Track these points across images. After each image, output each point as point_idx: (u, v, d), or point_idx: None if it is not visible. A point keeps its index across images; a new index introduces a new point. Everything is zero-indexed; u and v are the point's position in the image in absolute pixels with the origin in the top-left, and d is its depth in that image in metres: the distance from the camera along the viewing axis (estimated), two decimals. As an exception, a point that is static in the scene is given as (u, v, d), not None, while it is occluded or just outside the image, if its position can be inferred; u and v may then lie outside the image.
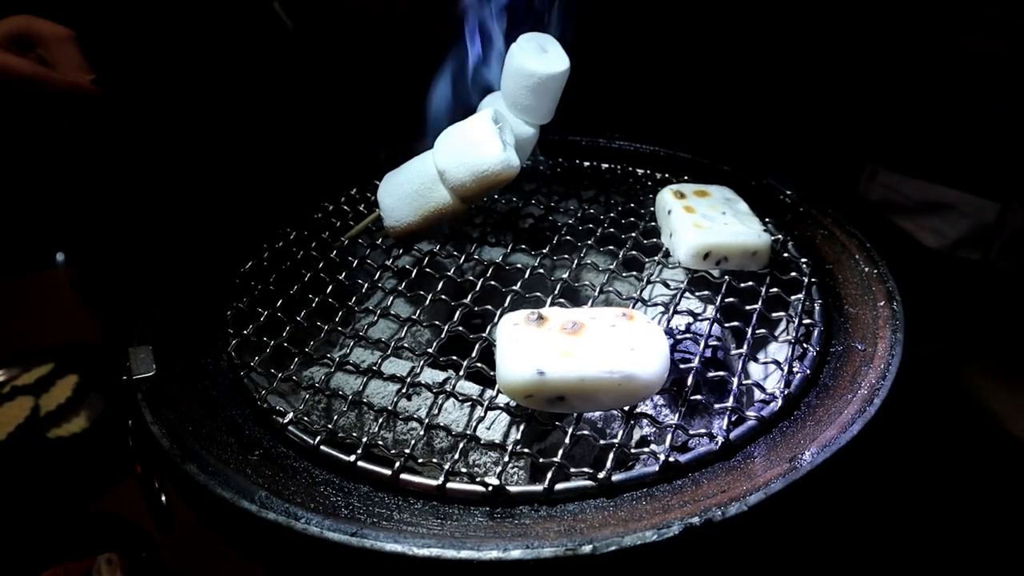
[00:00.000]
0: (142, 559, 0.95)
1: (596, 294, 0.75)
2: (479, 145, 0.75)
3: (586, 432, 0.62)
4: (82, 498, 1.06)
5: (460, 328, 0.72)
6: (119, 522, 0.99)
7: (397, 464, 0.59)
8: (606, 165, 1.03)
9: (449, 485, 0.57)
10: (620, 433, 0.61)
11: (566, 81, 0.81)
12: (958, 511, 0.97)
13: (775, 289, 0.77)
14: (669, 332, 0.71)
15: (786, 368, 0.68)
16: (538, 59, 0.79)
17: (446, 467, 0.58)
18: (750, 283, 0.77)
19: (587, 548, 0.51)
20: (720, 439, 0.60)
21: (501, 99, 0.84)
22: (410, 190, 0.79)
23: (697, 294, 0.77)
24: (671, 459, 0.59)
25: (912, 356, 0.70)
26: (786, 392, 0.65)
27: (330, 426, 0.63)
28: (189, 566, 0.98)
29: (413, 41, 1.26)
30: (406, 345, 0.72)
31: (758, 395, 0.67)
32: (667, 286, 0.77)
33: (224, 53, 1.10)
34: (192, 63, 1.11)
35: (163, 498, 0.72)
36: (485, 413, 0.64)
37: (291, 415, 0.64)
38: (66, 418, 1.16)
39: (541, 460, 0.60)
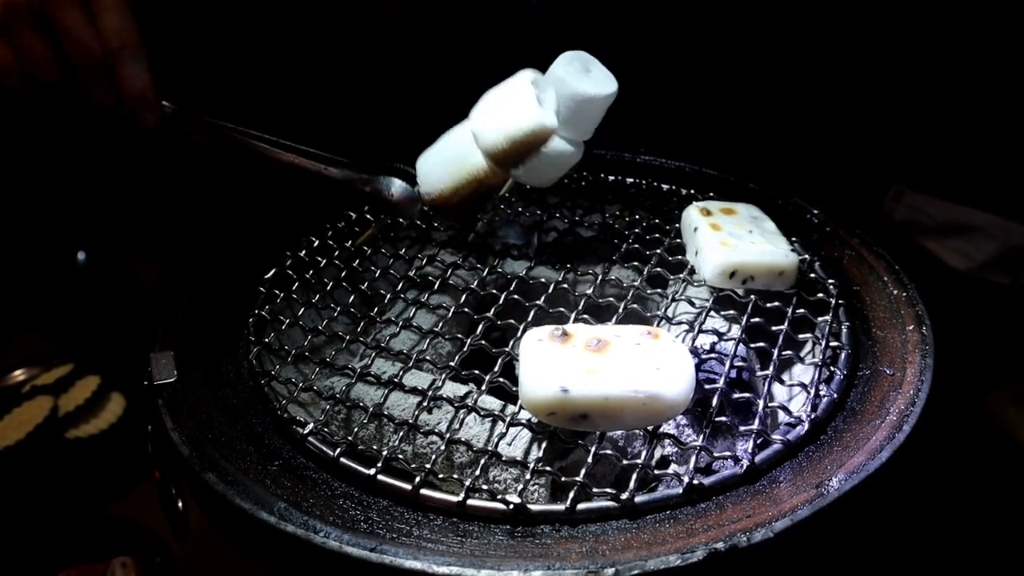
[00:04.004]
0: (156, 564, 0.95)
1: (620, 310, 0.75)
2: (513, 104, 0.76)
3: (608, 451, 0.61)
4: (98, 500, 1.06)
5: (482, 342, 0.72)
6: (134, 526, 0.99)
7: (417, 479, 0.58)
8: (631, 180, 1.02)
9: (470, 502, 0.57)
10: (643, 453, 0.60)
11: (612, 102, 0.78)
12: (981, 541, 0.95)
13: (801, 310, 0.76)
14: (694, 351, 0.70)
15: (812, 391, 0.67)
16: (585, 80, 0.77)
17: (467, 483, 0.57)
18: (776, 303, 0.76)
19: (610, 571, 0.51)
20: (745, 462, 0.59)
21: None
22: (447, 155, 0.81)
23: (722, 313, 0.76)
24: (695, 481, 0.58)
25: (936, 379, 0.69)
26: (812, 416, 0.64)
27: (350, 438, 0.62)
28: (203, 571, 0.98)
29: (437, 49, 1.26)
30: (427, 357, 0.71)
31: (784, 418, 0.65)
32: (692, 304, 0.77)
33: (247, 61, 1.11)
34: (210, 69, 1.12)
35: (179, 504, 0.72)
36: (507, 429, 0.63)
37: (311, 426, 0.64)
38: (85, 419, 1.17)
39: (563, 479, 0.59)
